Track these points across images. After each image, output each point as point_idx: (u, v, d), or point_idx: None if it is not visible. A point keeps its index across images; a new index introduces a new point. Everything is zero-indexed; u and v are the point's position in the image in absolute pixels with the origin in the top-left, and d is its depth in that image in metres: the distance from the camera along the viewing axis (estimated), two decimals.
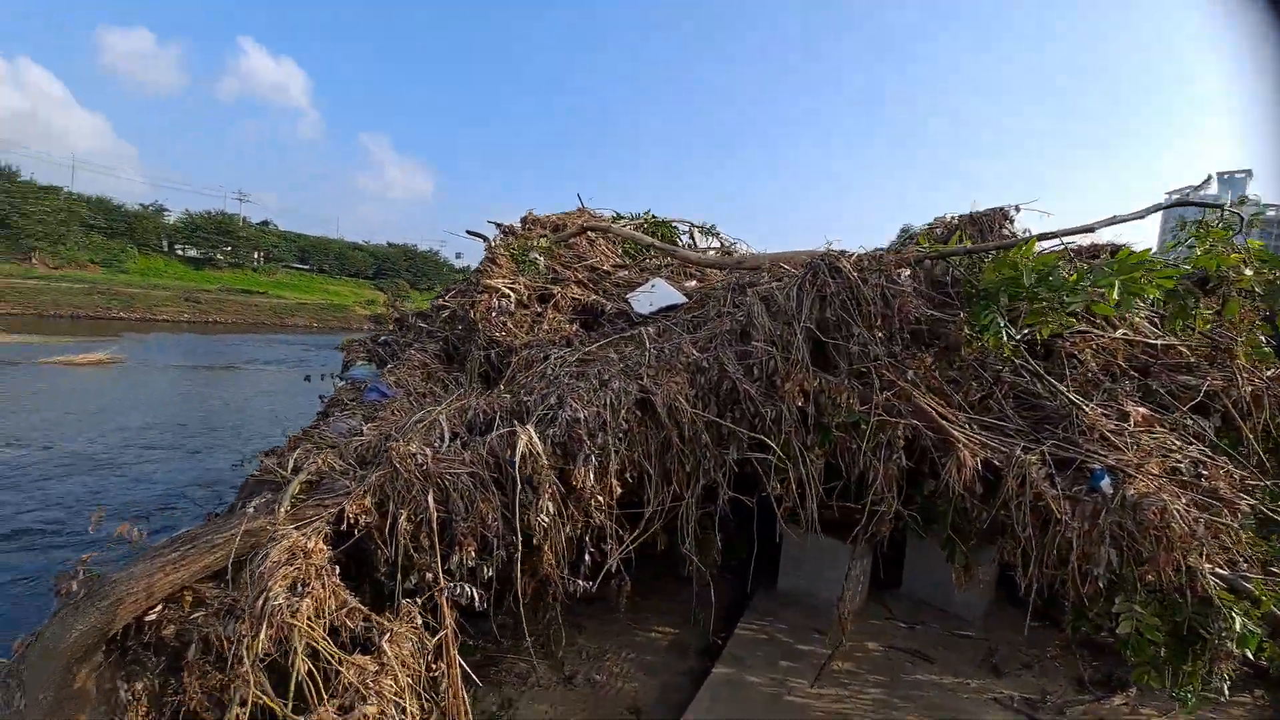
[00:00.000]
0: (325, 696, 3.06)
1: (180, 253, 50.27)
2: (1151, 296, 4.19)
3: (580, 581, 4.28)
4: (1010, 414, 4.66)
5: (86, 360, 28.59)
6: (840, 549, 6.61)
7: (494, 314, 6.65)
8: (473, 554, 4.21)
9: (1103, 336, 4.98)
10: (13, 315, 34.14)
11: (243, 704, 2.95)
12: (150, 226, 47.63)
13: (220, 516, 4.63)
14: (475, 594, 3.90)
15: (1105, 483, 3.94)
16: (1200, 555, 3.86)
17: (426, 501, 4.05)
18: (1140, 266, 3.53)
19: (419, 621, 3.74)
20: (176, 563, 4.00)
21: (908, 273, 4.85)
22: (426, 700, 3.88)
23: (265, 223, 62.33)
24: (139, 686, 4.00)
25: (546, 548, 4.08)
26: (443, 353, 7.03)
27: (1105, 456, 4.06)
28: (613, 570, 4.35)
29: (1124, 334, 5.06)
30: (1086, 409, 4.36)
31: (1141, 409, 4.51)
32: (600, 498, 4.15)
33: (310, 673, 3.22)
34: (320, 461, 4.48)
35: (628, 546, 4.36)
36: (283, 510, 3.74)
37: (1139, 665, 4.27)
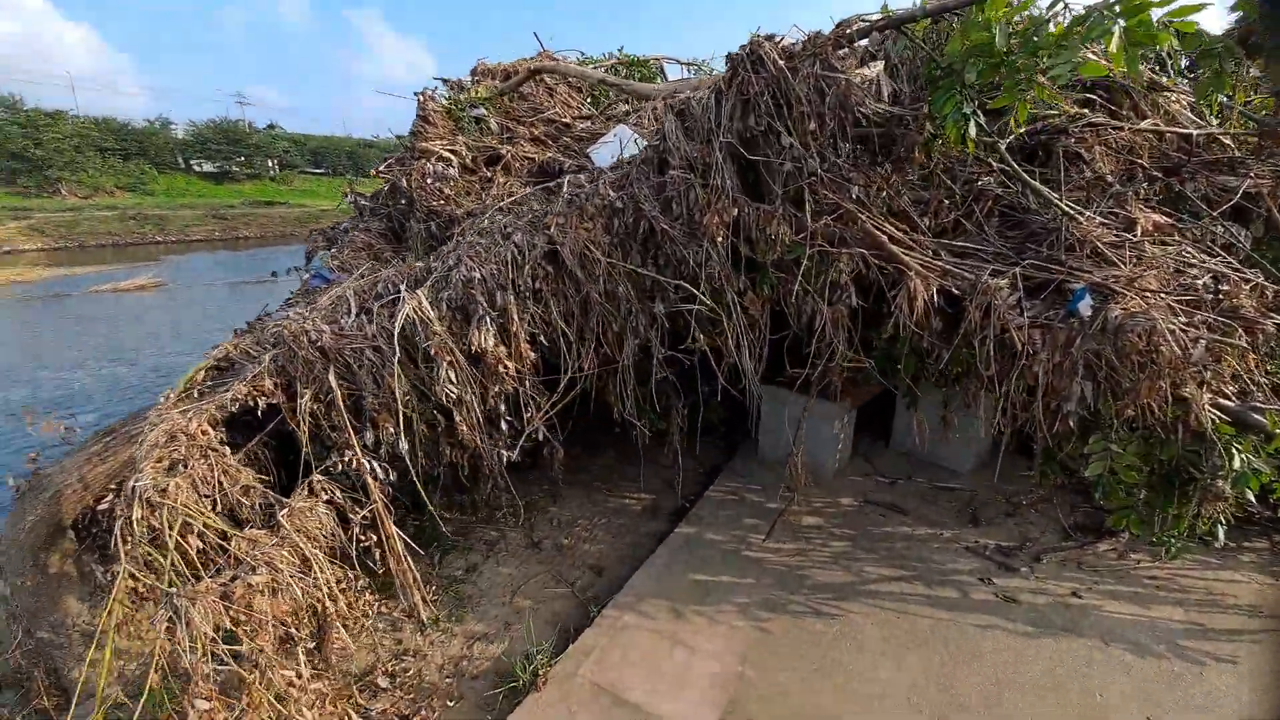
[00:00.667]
0: (213, 570, 3.07)
1: (197, 168, 50.12)
2: (1165, 46, 3.17)
3: (505, 451, 4.10)
4: (992, 236, 3.91)
5: (133, 285, 29.91)
6: (818, 408, 6.26)
7: (430, 181, 6.05)
8: (390, 430, 4.05)
9: (1120, 130, 3.99)
10: (56, 249, 35.47)
11: (132, 578, 2.98)
12: (161, 144, 47.17)
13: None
14: (380, 469, 3.77)
15: (1084, 303, 3.28)
16: (1199, 385, 3.25)
17: (328, 379, 3.83)
18: (1151, 2, 2.55)
19: (327, 497, 3.66)
20: (101, 454, 4.03)
21: (875, 70, 3.88)
22: (354, 571, 3.92)
23: (272, 126, 60.57)
24: (114, 568, 4.24)
25: (459, 419, 3.87)
26: (389, 230, 6.59)
27: (1090, 274, 3.36)
28: (540, 439, 4.14)
29: (1152, 125, 4.04)
30: (1081, 219, 3.57)
31: (1155, 216, 3.67)
32: (508, 364, 3.83)
33: (210, 549, 3.21)
34: (230, 347, 4.29)
35: (546, 414, 4.11)
36: (172, 395, 3.60)
37: (1119, 510, 3.88)
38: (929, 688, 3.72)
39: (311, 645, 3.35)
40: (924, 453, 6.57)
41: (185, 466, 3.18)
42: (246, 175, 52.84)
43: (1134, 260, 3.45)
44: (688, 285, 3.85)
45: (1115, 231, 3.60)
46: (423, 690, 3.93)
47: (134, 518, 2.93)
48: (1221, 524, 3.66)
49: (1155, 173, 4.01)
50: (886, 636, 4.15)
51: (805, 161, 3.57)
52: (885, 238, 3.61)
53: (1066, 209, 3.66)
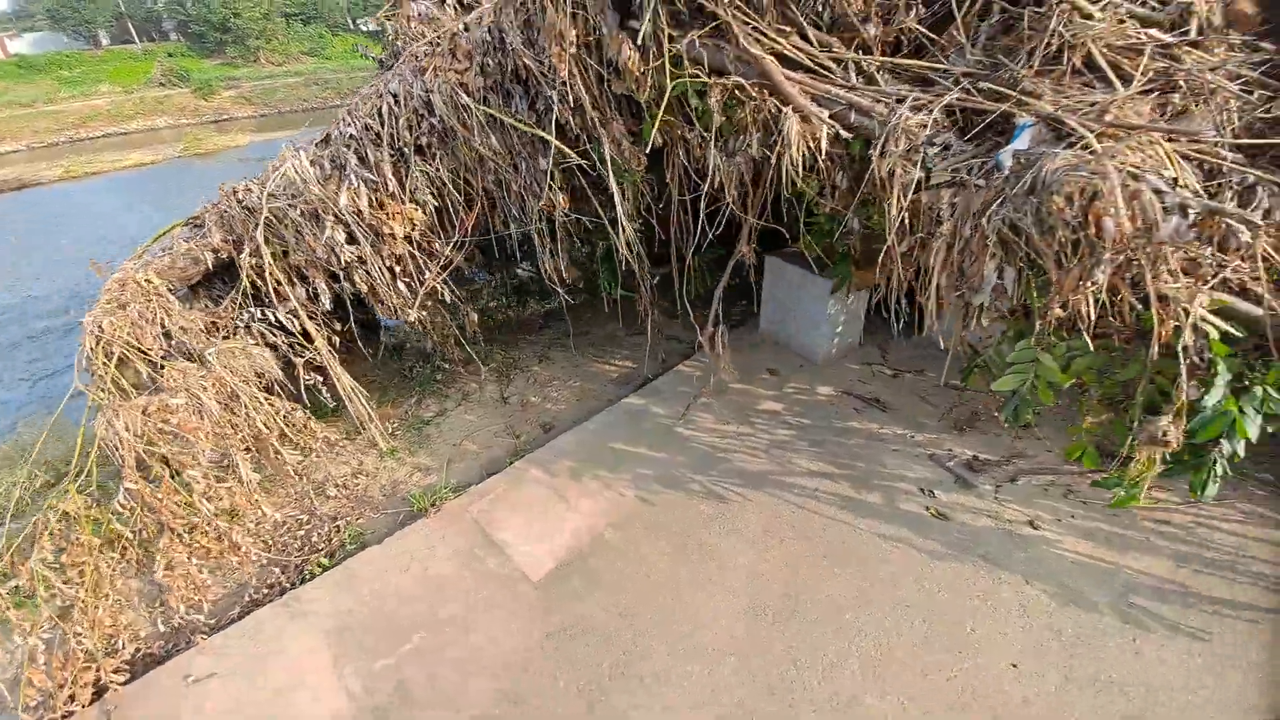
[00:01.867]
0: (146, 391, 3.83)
1: (364, 29, 53.03)
2: None
3: (409, 310, 4.31)
4: (969, 49, 2.79)
5: None
6: (810, 285, 5.51)
7: (414, 24, 5.79)
8: (321, 284, 4.44)
9: None
10: (264, 116, 41.06)
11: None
12: (333, 4, 50.27)
13: None
14: (288, 321, 4.19)
15: (1009, 150, 2.31)
16: (1170, 270, 2.24)
17: (255, 236, 4.23)
18: None
19: (257, 339, 4.23)
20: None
21: None
22: (299, 404, 4.60)
23: None
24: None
25: (358, 278, 4.10)
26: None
27: (1038, 103, 2.30)
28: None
29: None
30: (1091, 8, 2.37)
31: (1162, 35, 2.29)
32: (392, 224, 3.86)
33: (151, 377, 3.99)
34: (209, 206, 4.86)
35: (435, 279, 4.15)
36: (138, 250, 4.27)
37: (1074, 444, 3.05)
38: (773, 583, 3.57)
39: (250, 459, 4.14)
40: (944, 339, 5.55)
41: (126, 309, 3.87)
42: None
43: (1142, 87, 2.25)
44: (541, 133, 3.38)
45: (1133, 35, 2.33)
46: (362, 501, 4.72)
47: (86, 348, 3.73)
48: (1213, 475, 2.71)
49: None
50: (769, 529, 3.96)
51: None
52: (768, 57, 2.73)
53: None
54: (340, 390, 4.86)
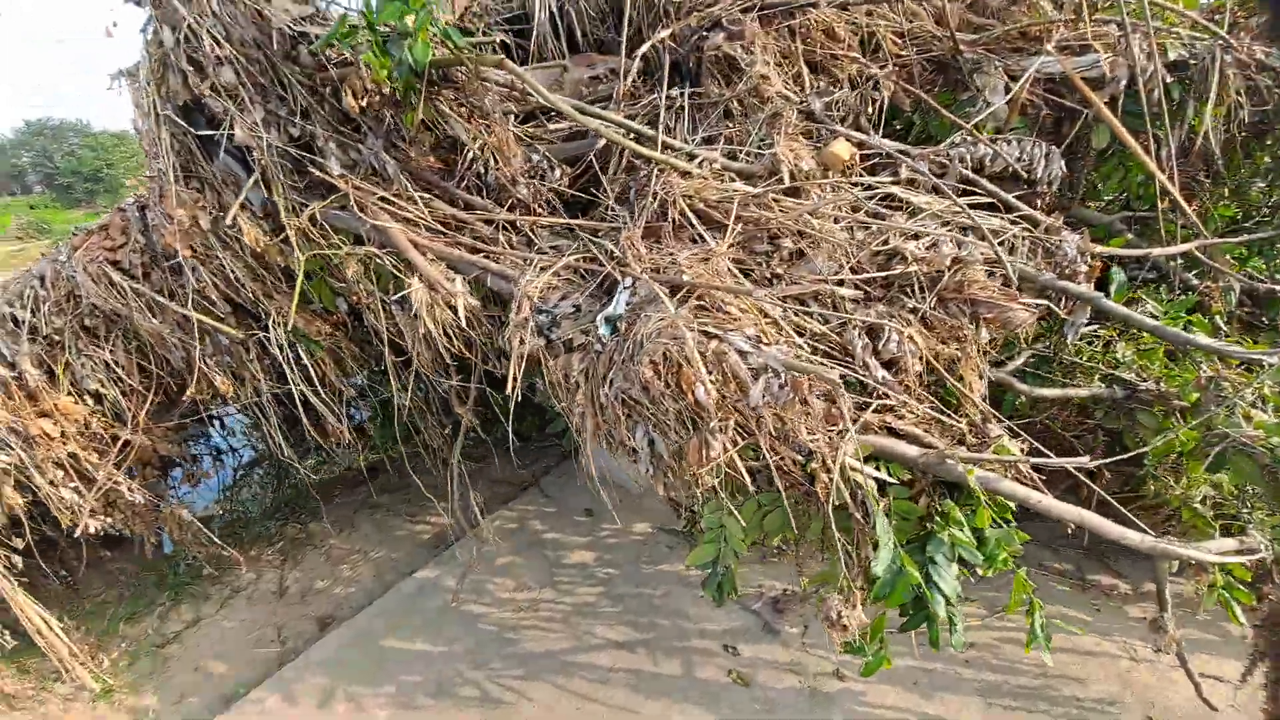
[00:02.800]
0: None
1: None
2: None
3: (88, 520, 3.49)
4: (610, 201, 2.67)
5: None
6: None
7: None
8: None
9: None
10: None
11: None
12: None
13: None
14: None
15: (612, 308, 2.09)
16: (779, 429, 1.99)
17: None
18: None
19: None
20: None
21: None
22: None
23: None
24: None
25: (5, 491, 3.29)
26: None
27: (631, 265, 2.13)
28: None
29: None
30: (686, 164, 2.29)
31: (839, 146, 2.29)
32: (42, 424, 3.17)
33: None
34: None
35: (108, 480, 3.43)
36: None
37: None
38: None
39: None
40: None
41: None
42: None
43: (736, 239, 2.15)
44: (197, 316, 2.95)
45: (724, 189, 2.28)
46: None
47: None
48: (951, 626, 2.36)
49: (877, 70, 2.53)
50: None
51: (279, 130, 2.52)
52: (394, 225, 2.51)
53: (654, 152, 2.37)
54: (25, 623, 3.82)
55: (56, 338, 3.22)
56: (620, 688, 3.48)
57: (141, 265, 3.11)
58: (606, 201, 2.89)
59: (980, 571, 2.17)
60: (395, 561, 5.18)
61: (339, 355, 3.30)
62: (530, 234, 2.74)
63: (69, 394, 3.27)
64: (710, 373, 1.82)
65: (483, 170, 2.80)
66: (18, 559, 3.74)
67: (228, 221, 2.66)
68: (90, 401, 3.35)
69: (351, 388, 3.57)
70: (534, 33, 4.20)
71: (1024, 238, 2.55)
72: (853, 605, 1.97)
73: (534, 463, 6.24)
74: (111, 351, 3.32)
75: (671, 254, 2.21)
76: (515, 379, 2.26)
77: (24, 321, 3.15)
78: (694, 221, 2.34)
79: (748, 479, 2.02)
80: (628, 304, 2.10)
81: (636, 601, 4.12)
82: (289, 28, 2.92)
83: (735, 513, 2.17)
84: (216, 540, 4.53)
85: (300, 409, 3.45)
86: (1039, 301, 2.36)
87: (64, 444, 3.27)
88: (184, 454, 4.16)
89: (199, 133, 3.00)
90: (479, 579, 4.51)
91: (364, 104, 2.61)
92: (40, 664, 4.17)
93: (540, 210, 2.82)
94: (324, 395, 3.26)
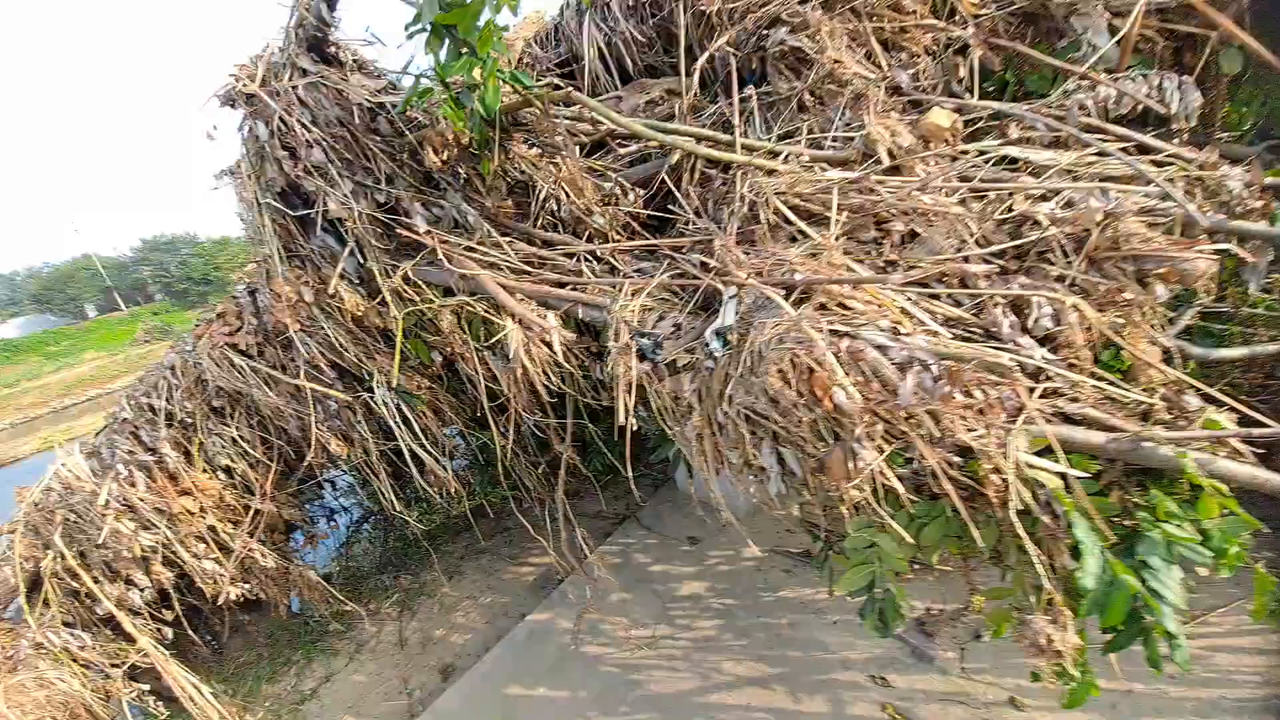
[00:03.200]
0: None
1: None
2: None
3: (229, 588, 3.68)
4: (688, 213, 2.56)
5: None
6: None
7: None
8: (138, 575, 3.85)
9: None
10: None
11: None
12: None
13: None
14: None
15: (720, 321, 1.94)
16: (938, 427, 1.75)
17: (54, 539, 3.72)
18: None
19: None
20: None
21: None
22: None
23: None
24: None
25: (155, 568, 3.52)
26: None
27: (735, 270, 1.98)
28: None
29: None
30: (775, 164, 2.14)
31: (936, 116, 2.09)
32: (182, 502, 3.39)
33: None
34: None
35: (245, 548, 3.59)
36: None
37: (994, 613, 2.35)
38: None
39: None
40: None
41: None
42: None
43: (843, 230, 1.96)
44: (309, 384, 3.06)
45: (818, 179, 2.10)
46: None
47: None
48: (1173, 644, 1.99)
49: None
50: None
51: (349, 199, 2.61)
52: (482, 272, 2.50)
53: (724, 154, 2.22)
54: (177, 691, 4.05)
55: (189, 420, 3.48)
56: None
57: (256, 344, 3.34)
58: (684, 217, 2.80)
59: (1205, 572, 1.81)
60: (505, 605, 5.16)
61: (438, 407, 3.36)
62: (613, 261, 2.69)
63: (204, 471, 3.50)
64: (847, 374, 1.63)
65: (555, 207, 2.79)
66: (168, 630, 3.99)
67: (330, 292, 2.79)
68: (223, 476, 3.57)
69: (451, 438, 3.62)
70: (585, 71, 4.27)
71: (1179, 179, 2.21)
72: (1063, 626, 1.67)
73: (626, 493, 6.13)
74: (237, 428, 3.54)
75: (773, 256, 2.05)
76: (626, 407, 2.16)
77: (160, 409, 3.44)
78: (791, 218, 2.18)
79: (900, 489, 1.79)
80: (736, 314, 1.96)
81: (763, 633, 3.85)
82: (367, 101, 3.08)
83: (892, 525, 1.93)
84: (339, 596, 4.68)
85: (410, 462, 3.52)
86: (1220, 246, 2.01)
87: (203, 518, 3.48)
88: (304, 517, 4.35)
89: (296, 214, 3.21)
90: (592, 619, 4.39)
91: (443, 158, 2.68)
92: None
93: (619, 236, 2.77)
94: (428, 447, 3.31)
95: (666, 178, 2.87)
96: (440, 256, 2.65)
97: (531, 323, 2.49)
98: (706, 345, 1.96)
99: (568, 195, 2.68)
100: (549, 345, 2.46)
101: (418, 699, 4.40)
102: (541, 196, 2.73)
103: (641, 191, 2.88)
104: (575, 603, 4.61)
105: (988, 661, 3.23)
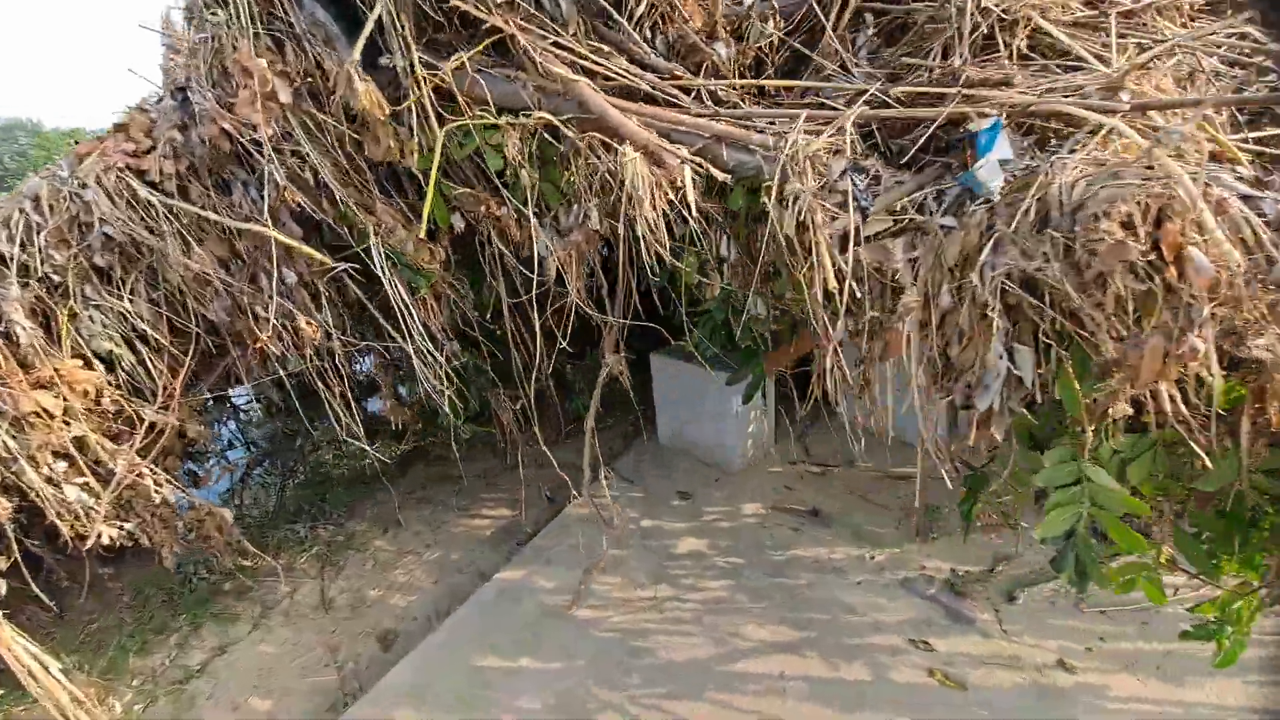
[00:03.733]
0: None
1: None
2: None
3: (104, 529, 2.63)
4: (851, 59, 1.99)
5: None
6: (707, 380, 4.51)
7: None
8: None
9: None
10: None
11: None
12: None
13: None
14: None
15: (987, 166, 1.43)
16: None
17: None
18: None
19: None
20: None
21: None
22: None
23: None
24: None
25: None
26: None
27: (1001, 93, 1.47)
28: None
29: None
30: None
31: None
32: (38, 398, 2.30)
33: None
34: None
35: (131, 471, 2.58)
36: None
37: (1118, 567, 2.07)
38: None
39: None
40: (877, 423, 4.76)
41: None
42: None
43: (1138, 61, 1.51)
44: (271, 231, 2.13)
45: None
46: None
47: None
48: None
49: None
50: None
51: None
52: (581, 79, 1.78)
53: None
54: (11, 664, 2.93)
55: (56, 279, 2.34)
56: (803, 700, 2.83)
57: (176, 175, 2.25)
58: (831, 66, 2.14)
59: None
60: (457, 562, 4.41)
61: (441, 294, 2.52)
62: (741, 105, 2.03)
63: (74, 357, 2.41)
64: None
65: (650, 34, 2.07)
66: (1, 584, 2.85)
67: (330, 87, 1.86)
68: (102, 368, 2.50)
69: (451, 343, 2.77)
70: None
71: None
72: None
73: (607, 438, 5.50)
74: (131, 300, 2.46)
75: (1049, 79, 1.55)
76: (829, 273, 1.53)
77: (11, 258, 2.25)
78: (1061, 37, 1.67)
79: (1218, 381, 1.34)
80: (1012, 149, 1.44)
81: (780, 594, 3.48)
82: None
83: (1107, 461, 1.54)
84: (253, 548, 3.67)
85: (381, 370, 2.66)
86: None
87: (67, 425, 2.40)
88: (210, 439, 3.29)
89: None
90: (575, 578, 3.79)
91: None
92: (32, 713, 3.28)
93: (745, 75, 2.10)
94: (427, 350, 2.46)
95: (815, 5, 2.16)
96: (521, 49, 1.81)
97: (664, 153, 1.78)
98: (961, 190, 1.43)
99: (679, 12, 1.95)
100: (679, 197, 1.77)
101: (350, 672, 3.58)
102: (638, 12, 1.98)
103: (781, 24, 2.20)
104: (557, 557, 3.98)
105: (1028, 626, 3.08)
